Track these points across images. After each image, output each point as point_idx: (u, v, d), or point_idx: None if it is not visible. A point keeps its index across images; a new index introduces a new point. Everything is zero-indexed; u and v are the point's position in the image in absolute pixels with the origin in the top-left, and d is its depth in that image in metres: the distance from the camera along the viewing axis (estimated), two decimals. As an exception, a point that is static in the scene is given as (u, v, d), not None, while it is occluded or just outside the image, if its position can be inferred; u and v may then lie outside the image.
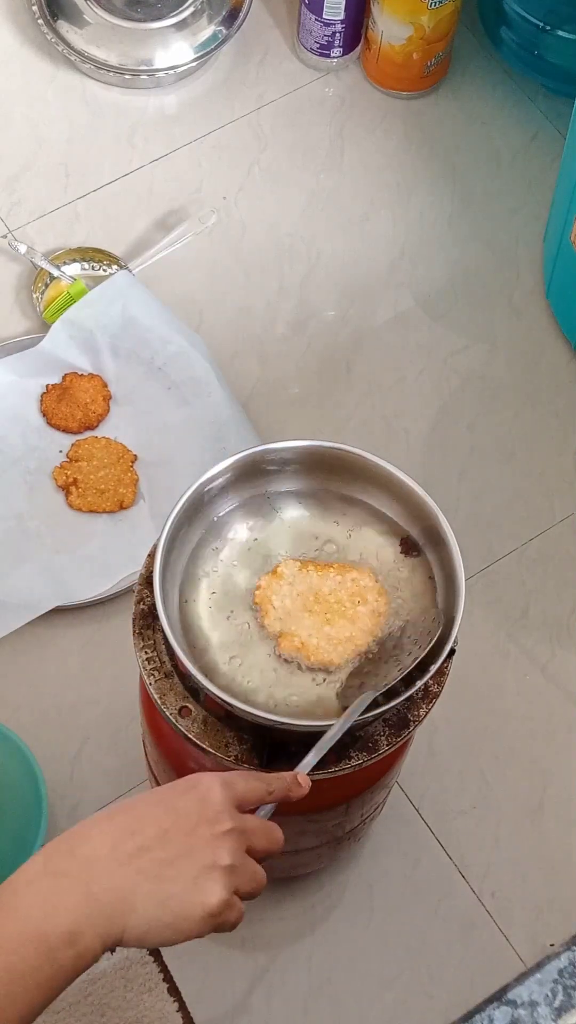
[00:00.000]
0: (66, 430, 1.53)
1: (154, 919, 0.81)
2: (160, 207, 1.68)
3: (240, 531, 1.06)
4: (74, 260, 1.62)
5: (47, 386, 1.54)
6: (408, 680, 0.98)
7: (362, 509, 1.07)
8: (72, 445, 1.51)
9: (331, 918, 1.36)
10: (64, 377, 1.54)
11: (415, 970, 1.34)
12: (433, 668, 0.98)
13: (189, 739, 1.01)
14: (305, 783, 0.91)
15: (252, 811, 0.89)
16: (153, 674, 1.04)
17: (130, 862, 0.82)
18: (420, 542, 1.05)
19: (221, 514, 1.06)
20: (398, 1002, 1.33)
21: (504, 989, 1.01)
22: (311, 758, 0.93)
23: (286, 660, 1.01)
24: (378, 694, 0.96)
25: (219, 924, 0.84)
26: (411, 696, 1.01)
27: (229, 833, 0.84)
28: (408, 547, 1.05)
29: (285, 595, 1.02)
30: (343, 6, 1.69)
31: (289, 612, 1.02)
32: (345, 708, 0.96)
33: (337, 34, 1.72)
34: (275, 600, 1.02)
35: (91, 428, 1.53)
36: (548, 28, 1.71)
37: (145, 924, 0.81)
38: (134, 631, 1.05)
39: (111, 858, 0.82)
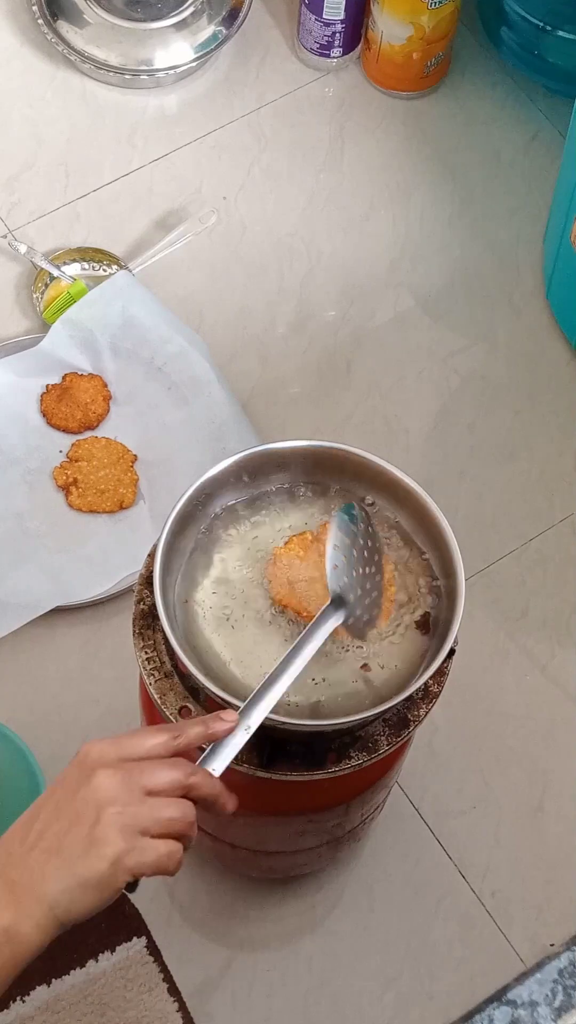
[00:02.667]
0: (66, 430, 1.53)
1: (71, 888, 0.83)
2: (160, 207, 1.68)
3: (240, 531, 1.06)
4: (74, 260, 1.62)
5: (47, 386, 1.54)
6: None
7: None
8: (72, 445, 1.51)
9: (331, 918, 1.36)
10: (64, 377, 1.54)
11: (415, 970, 1.34)
12: (433, 668, 0.98)
13: (189, 739, 1.01)
14: (230, 717, 0.90)
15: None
16: (153, 674, 1.03)
17: (36, 844, 0.84)
18: (436, 625, 1.03)
19: (221, 514, 1.06)
20: (398, 1002, 1.33)
21: (504, 989, 1.02)
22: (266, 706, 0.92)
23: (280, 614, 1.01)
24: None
25: (136, 868, 0.83)
26: (411, 696, 1.01)
27: (106, 779, 0.85)
28: (424, 625, 1.03)
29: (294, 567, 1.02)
30: (343, 6, 1.68)
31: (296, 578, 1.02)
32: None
33: (337, 34, 1.72)
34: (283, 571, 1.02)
35: (91, 428, 1.53)
36: (548, 28, 1.71)
37: (67, 896, 0.83)
38: (134, 631, 1.05)
39: (21, 848, 0.84)
